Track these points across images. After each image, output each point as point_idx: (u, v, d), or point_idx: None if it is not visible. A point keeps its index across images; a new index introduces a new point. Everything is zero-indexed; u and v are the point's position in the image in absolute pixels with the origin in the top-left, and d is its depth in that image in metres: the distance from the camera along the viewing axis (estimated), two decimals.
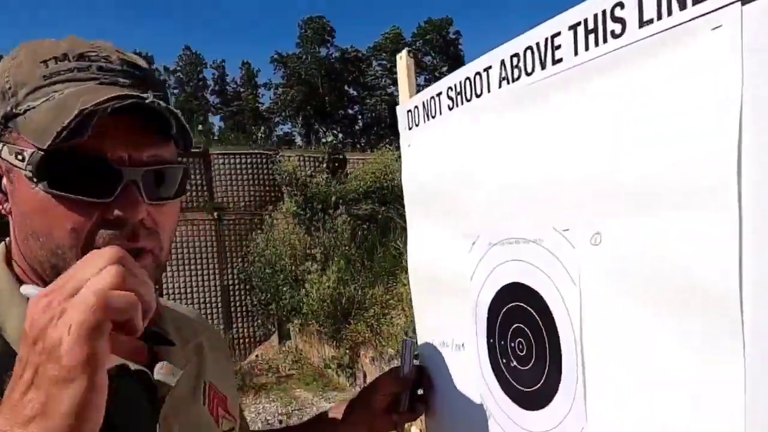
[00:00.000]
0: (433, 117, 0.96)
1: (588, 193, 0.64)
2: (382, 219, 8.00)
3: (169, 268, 8.37)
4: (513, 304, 0.79)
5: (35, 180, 0.54)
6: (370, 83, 37.15)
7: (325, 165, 9.29)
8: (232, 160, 9.05)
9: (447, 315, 0.96)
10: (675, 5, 0.52)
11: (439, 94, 0.93)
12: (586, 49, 0.62)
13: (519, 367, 0.79)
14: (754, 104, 0.47)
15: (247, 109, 39.31)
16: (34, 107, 0.54)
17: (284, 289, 7.77)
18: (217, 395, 0.74)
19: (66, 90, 0.55)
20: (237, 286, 8.73)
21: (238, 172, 9.06)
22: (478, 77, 0.82)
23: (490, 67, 0.79)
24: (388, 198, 8.22)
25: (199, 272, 8.57)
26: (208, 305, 8.60)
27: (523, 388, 0.79)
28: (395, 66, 1.10)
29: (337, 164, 9.48)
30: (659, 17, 0.54)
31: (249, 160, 9.16)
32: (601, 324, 0.64)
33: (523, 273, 0.76)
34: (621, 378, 0.62)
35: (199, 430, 0.69)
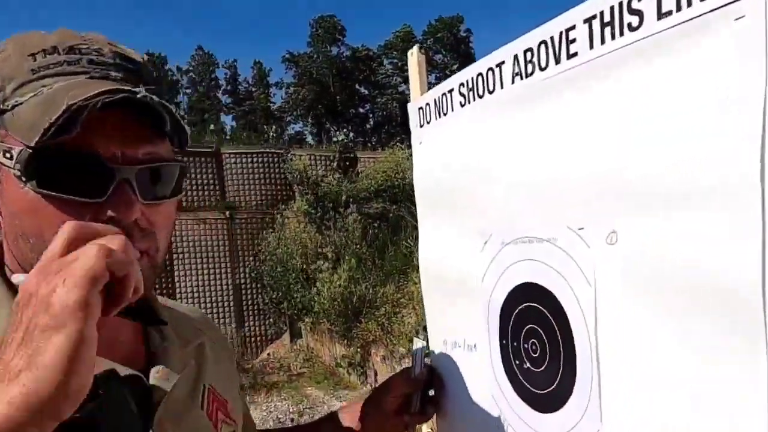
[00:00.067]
0: (445, 114, 0.94)
1: (604, 191, 0.62)
2: (393, 218, 8.00)
3: (181, 267, 8.43)
4: (526, 304, 0.78)
5: (24, 179, 0.52)
6: (381, 82, 37.15)
7: (336, 164, 9.30)
8: (243, 160, 9.10)
9: (458, 315, 0.95)
10: None
11: (450, 91, 0.92)
12: (602, 42, 0.61)
13: (532, 368, 0.77)
14: None
15: (259, 108, 39.52)
16: (21, 103, 0.52)
17: (295, 287, 7.79)
18: (216, 399, 0.72)
19: (55, 84, 0.53)
20: (249, 285, 8.78)
21: (250, 171, 9.10)
22: (490, 73, 0.80)
23: (502, 63, 0.78)
24: (399, 196, 8.21)
25: (212, 271, 8.62)
26: (220, 304, 8.65)
27: (536, 390, 0.77)
28: (406, 64, 1.09)
29: (348, 163, 9.49)
30: (678, 9, 0.52)
31: (260, 159, 9.20)
32: (617, 325, 0.63)
33: (536, 273, 0.75)
34: (638, 381, 0.61)
35: None
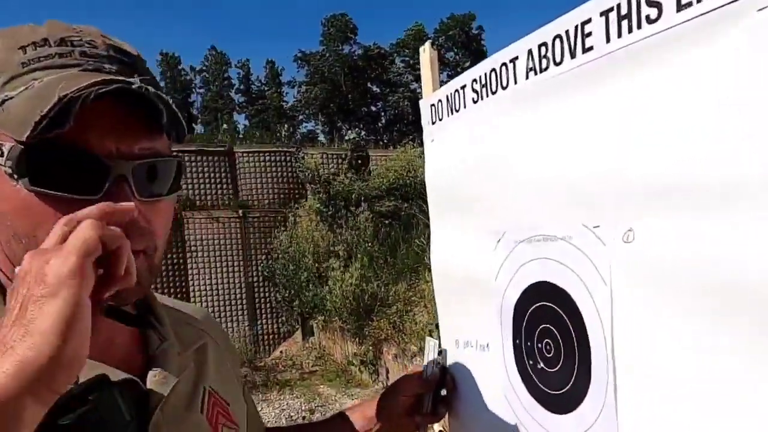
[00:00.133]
0: (457, 111, 0.93)
1: (621, 188, 0.61)
2: (404, 216, 7.98)
3: (195, 265, 8.49)
4: (540, 303, 0.77)
5: (15, 176, 0.49)
6: (392, 80, 37.11)
7: (347, 162, 9.30)
8: (256, 158, 9.13)
9: (471, 315, 0.94)
10: None
11: (463, 87, 0.90)
12: (619, 36, 0.59)
13: (546, 368, 0.76)
14: None
15: (272, 107, 39.69)
16: (12, 97, 0.50)
17: (307, 286, 7.81)
18: (217, 402, 0.70)
19: (46, 77, 0.51)
20: (261, 283, 8.81)
21: (263, 169, 9.13)
22: (504, 68, 0.79)
23: (516, 58, 0.76)
24: (411, 195, 8.19)
25: (225, 269, 8.67)
26: (233, 302, 8.70)
27: (550, 391, 0.76)
28: (418, 62, 1.08)
29: (359, 161, 9.49)
30: (699, 0, 0.51)
31: (273, 158, 9.23)
32: (634, 326, 0.61)
33: (550, 271, 0.74)
34: (655, 382, 0.59)
35: None
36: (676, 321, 0.56)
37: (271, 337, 8.88)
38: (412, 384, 0.97)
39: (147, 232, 0.54)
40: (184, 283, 8.45)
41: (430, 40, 1.07)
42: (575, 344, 0.70)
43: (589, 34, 0.63)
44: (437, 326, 1.09)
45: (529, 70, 0.74)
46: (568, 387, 0.72)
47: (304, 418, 5.69)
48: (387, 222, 8.20)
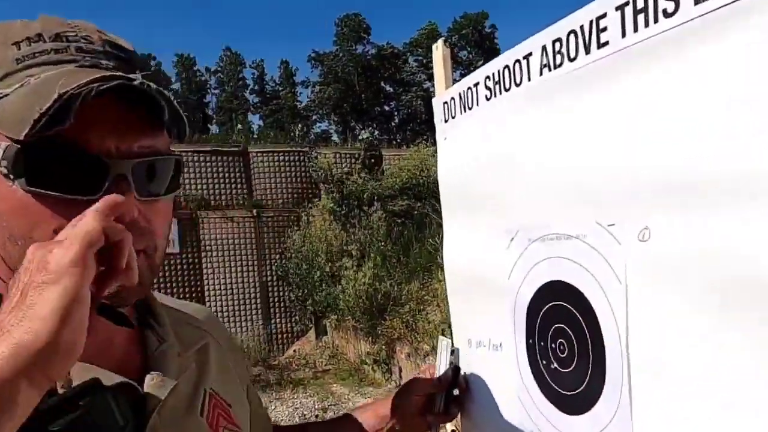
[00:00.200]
0: (470, 108, 0.93)
1: (636, 186, 0.60)
2: (417, 215, 7.96)
3: (209, 265, 8.56)
4: (554, 303, 0.76)
5: (12, 177, 0.48)
6: (406, 79, 37.07)
7: (361, 162, 9.31)
8: (270, 158, 9.18)
9: (484, 314, 0.93)
10: None
11: (476, 85, 0.90)
12: (635, 30, 0.58)
13: (560, 369, 0.75)
14: None
15: (286, 107, 39.86)
16: (7, 95, 0.49)
17: (321, 285, 7.83)
18: (218, 404, 0.68)
19: (42, 74, 0.49)
20: (275, 283, 8.86)
21: (277, 169, 9.18)
22: (517, 65, 0.78)
23: (530, 54, 0.75)
24: (424, 194, 8.17)
25: (239, 268, 8.73)
26: (247, 301, 8.76)
27: (563, 391, 0.75)
28: (431, 61, 1.07)
29: (373, 161, 9.49)
30: None
31: (287, 158, 9.27)
32: (650, 325, 0.60)
33: (564, 270, 0.73)
34: (671, 382, 0.58)
35: None
36: (691, 319, 0.55)
37: (284, 336, 8.93)
38: (424, 383, 0.96)
39: (147, 231, 0.53)
40: (199, 283, 8.52)
41: (443, 38, 1.07)
42: (589, 344, 0.69)
43: (605, 29, 0.62)
44: (450, 325, 1.08)
45: (543, 66, 0.73)
46: (582, 387, 0.71)
47: (317, 416, 5.70)
48: (400, 221, 8.19)
